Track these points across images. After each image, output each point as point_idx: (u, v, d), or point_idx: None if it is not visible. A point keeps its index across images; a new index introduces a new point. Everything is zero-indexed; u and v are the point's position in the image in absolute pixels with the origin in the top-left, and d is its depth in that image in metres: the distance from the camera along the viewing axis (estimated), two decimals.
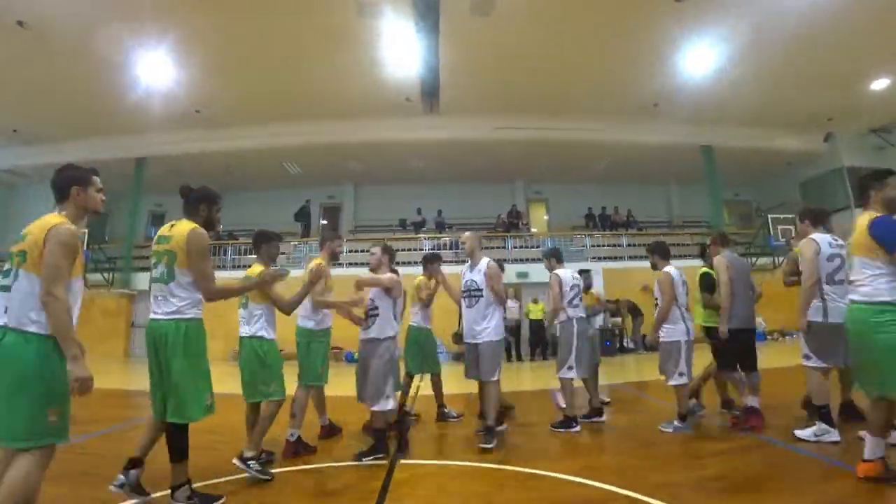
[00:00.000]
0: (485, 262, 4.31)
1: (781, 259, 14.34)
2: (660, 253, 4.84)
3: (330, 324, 4.32)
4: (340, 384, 5.04)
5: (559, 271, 4.90)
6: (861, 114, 15.07)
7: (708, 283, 4.91)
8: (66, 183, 2.31)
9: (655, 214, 18.92)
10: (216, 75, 12.08)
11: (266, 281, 3.43)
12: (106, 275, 14.61)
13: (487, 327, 4.19)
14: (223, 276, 14.57)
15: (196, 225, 2.83)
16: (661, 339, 4.60)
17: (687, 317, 4.55)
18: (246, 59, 11.44)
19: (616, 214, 17.71)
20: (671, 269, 4.64)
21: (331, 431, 4.61)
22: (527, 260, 14.91)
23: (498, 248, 15.50)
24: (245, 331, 3.68)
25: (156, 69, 11.52)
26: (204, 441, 3.75)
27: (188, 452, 2.78)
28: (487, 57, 11.48)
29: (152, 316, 2.79)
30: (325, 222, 19.05)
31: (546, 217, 19.59)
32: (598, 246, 15.75)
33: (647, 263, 5.09)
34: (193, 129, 14.50)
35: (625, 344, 12.81)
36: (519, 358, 12.67)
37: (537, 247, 15.73)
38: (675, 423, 4.38)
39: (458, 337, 5.69)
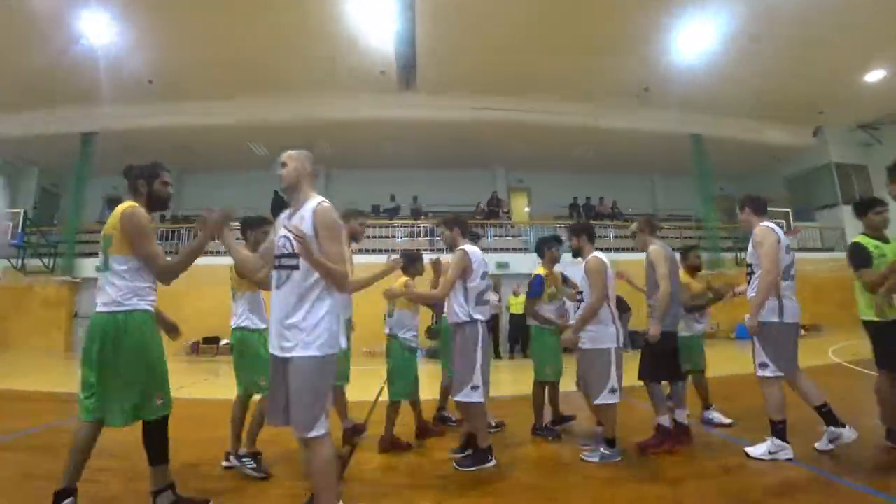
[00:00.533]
0: (313, 203, 2.40)
1: None
2: (587, 235, 3.91)
3: (350, 313, 3.87)
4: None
5: (469, 247, 3.59)
6: (852, 107, 14.83)
7: (862, 258, 3.47)
8: None
9: (639, 206, 18.42)
10: (170, 42, 11.00)
11: (211, 226, 2.67)
12: (47, 260, 13.39)
13: (304, 328, 2.26)
14: None
15: (133, 204, 2.56)
16: (582, 345, 3.74)
17: (617, 317, 3.78)
18: (203, 25, 10.42)
19: (601, 205, 17.16)
20: (601, 255, 3.81)
21: (354, 431, 4.10)
22: (507, 249, 14.26)
23: (478, 237, 14.78)
24: (232, 321, 3.47)
25: (101, 32, 10.39)
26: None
27: (168, 454, 2.57)
28: (469, 29, 10.71)
29: (95, 309, 2.54)
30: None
31: (527, 208, 18.96)
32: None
33: (635, 256, 4.41)
34: (147, 102, 13.31)
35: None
36: (497, 356, 11.82)
37: (519, 236, 15.09)
38: (602, 449, 3.54)
39: (431, 332, 4.92)
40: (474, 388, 3.41)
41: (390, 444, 3.83)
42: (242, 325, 3.41)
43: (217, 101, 13.30)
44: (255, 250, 3.43)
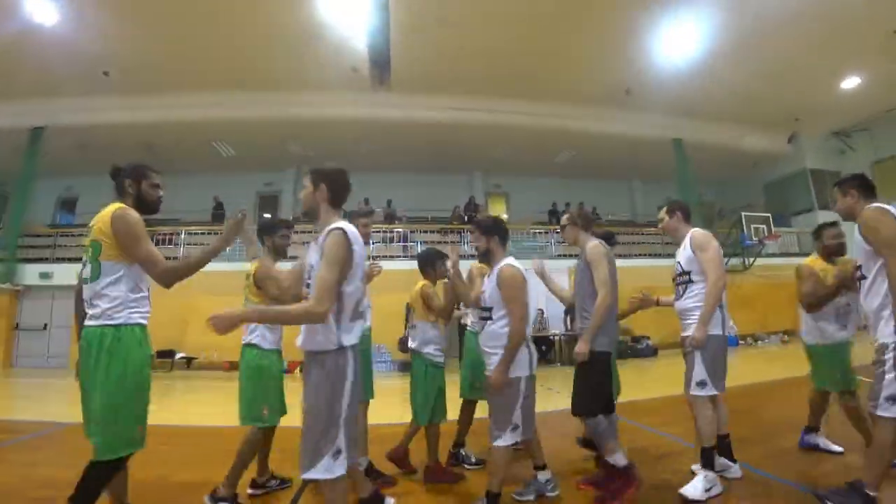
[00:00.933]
0: None
1: (752, 260, 14.11)
2: (500, 237, 3.09)
3: (369, 321, 3.50)
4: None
5: (347, 226, 2.18)
6: (827, 114, 15.13)
7: None
8: None
9: (618, 211, 18.47)
10: (128, 30, 10.33)
11: (230, 234, 2.62)
12: None
13: None
14: None
15: (121, 205, 2.40)
16: (490, 372, 3.01)
17: (531, 340, 3.04)
18: (164, 13, 9.82)
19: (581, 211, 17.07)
20: (516, 262, 3.00)
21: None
22: None
23: (453, 242, 14.46)
24: (244, 337, 3.21)
25: (50, 15, 9.73)
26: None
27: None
28: (446, 25, 10.36)
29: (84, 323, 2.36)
30: (267, 215, 17.48)
31: (506, 214, 18.74)
32: (565, 243, 14.96)
33: (622, 263, 4.03)
34: (102, 94, 12.53)
35: None
36: None
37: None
38: None
39: (404, 343, 4.53)
40: (337, 453, 2.08)
41: (439, 473, 3.50)
42: (255, 342, 3.15)
43: (178, 96, 12.63)
44: (277, 257, 3.35)
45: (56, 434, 5.06)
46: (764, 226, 13.52)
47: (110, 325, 2.27)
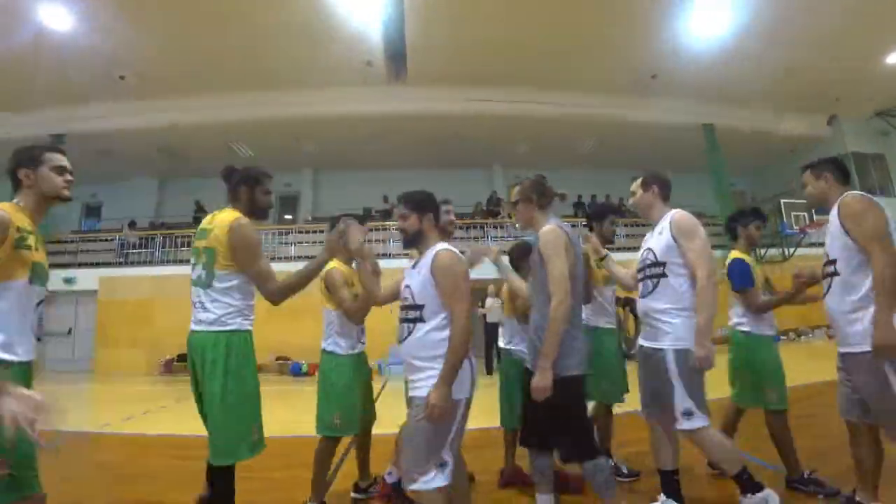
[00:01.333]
0: None
1: (792, 250, 13.38)
2: (436, 214, 2.39)
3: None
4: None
5: None
6: (870, 93, 14.35)
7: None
8: (12, 167, 2.00)
9: None
10: (140, 30, 10.33)
11: (333, 246, 2.61)
12: None
13: None
14: (151, 273, 12.96)
15: (237, 214, 2.39)
16: (419, 391, 2.20)
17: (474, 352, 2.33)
18: (175, 13, 9.79)
19: (608, 202, 16.55)
20: (454, 249, 2.31)
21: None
22: None
23: (476, 238, 14.15)
24: (322, 342, 3.11)
25: (63, 22, 9.76)
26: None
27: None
28: (463, 13, 10.11)
29: (191, 327, 2.37)
30: (288, 217, 17.54)
31: None
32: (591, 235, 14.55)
33: None
34: (119, 99, 12.68)
35: (623, 349, 11.32)
36: (490, 372, 10.01)
37: (521, 236, 14.43)
38: None
39: None
40: None
41: (513, 476, 3.38)
42: (329, 349, 3.04)
43: (193, 98, 12.65)
44: (346, 256, 3.16)
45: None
46: (805, 213, 12.79)
47: (224, 332, 2.28)
